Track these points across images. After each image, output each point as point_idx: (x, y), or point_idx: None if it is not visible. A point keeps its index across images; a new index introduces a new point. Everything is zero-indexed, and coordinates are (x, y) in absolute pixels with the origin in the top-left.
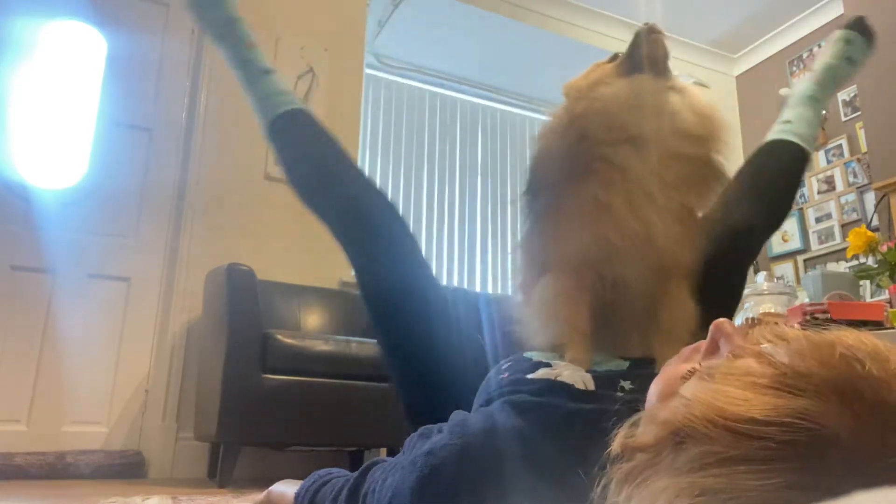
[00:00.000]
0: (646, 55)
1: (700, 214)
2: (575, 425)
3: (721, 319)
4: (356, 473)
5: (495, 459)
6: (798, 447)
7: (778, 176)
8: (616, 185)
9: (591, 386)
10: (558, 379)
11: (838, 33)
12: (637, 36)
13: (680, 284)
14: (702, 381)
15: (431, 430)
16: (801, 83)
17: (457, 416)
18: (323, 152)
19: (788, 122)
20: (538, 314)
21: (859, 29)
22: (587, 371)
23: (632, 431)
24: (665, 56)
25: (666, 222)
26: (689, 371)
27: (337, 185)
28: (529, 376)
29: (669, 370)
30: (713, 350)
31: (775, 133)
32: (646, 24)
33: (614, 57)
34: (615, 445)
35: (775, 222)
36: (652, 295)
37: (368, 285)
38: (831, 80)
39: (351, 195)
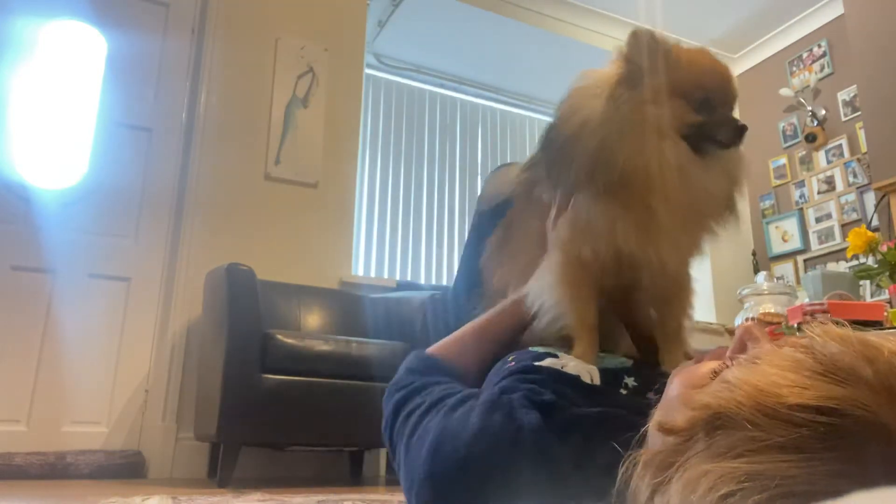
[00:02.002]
0: (716, 140)
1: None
2: (578, 428)
3: (750, 324)
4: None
5: (509, 452)
6: (846, 436)
7: None
8: (636, 211)
9: (597, 380)
10: (564, 370)
11: None
12: (713, 118)
13: (690, 282)
14: (747, 366)
15: (469, 399)
16: None
17: (488, 394)
18: None
19: None
20: (546, 293)
21: None
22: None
23: (661, 417)
24: (738, 141)
25: (677, 250)
26: (720, 366)
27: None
28: (536, 363)
29: (690, 369)
30: (741, 351)
31: None
32: (731, 120)
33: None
34: (650, 427)
35: None
36: (662, 293)
37: None
38: None
39: None
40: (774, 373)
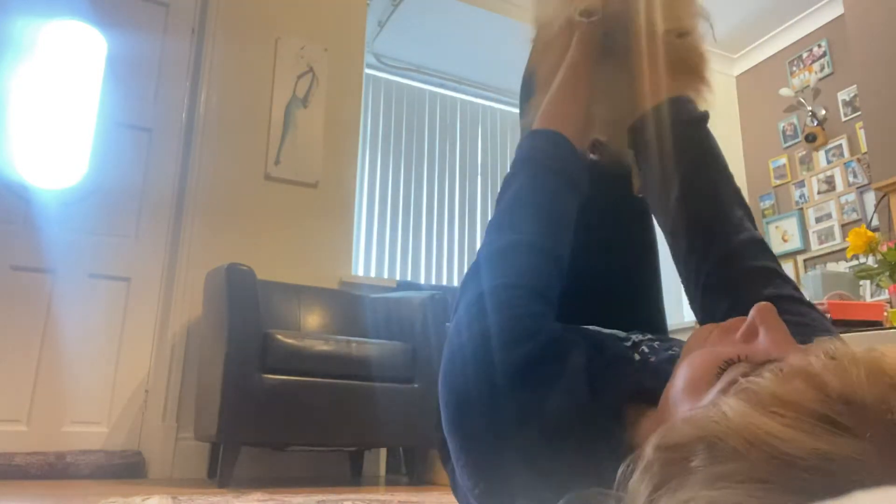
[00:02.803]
0: None
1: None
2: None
3: (766, 305)
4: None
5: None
6: (832, 485)
7: None
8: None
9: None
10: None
11: None
12: None
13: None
14: (745, 400)
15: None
16: None
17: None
18: None
19: None
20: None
21: None
22: None
23: (659, 436)
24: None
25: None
26: (726, 361)
27: None
28: None
29: (701, 349)
30: (751, 336)
31: None
32: None
33: None
34: (649, 445)
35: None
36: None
37: None
38: None
39: None
40: (774, 412)
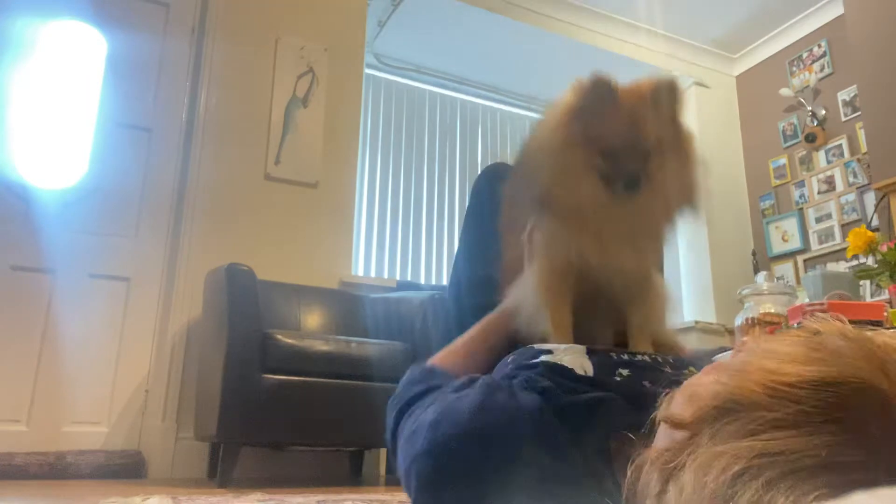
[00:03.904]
0: (618, 175)
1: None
2: (576, 409)
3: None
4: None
5: (510, 428)
6: (845, 407)
7: None
8: (584, 231)
9: (591, 372)
10: (560, 363)
11: None
12: (612, 144)
13: (650, 281)
14: (748, 352)
15: (469, 383)
16: None
17: (486, 378)
18: None
19: None
20: (525, 304)
21: None
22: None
23: (669, 411)
24: (639, 177)
25: (632, 257)
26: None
27: None
28: (532, 362)
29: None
30: None
31: None
32: (630, 126)
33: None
34: (658, 418)
35: None
36: (625, 296)
37: None
38: None
39: None
40: (775, 356)
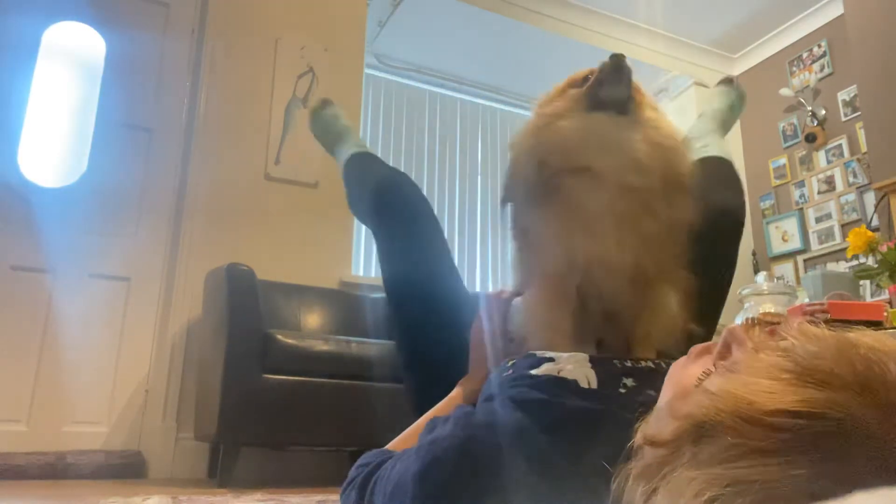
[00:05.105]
0: (608, 97)
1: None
2: (573, 423)
3: (734, 325)
4: (374, 463)
5: (496, 454)
6: (825, 437)
7: (731, 179)
8: (576, 211)
9: (594, 384)
10: (560, 374)
11: (720, 88)
12: (601, 72)
13: (660, 290)
14: (726, 375)
15: (437, 422)
16: (698, 124)
17: (461, 409)
18: (374, 162)
19: (707, 146)
20: (527, 323)
21: (736, 86)
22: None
23: (649, 430)
24: (627, 97)
25: (631, 241)
26: (704, 373)
27: (383, 171)
28: (532, 372)
29: (679, 372)
30: (725, 354)
31: (703, 152)
32: (612, 57)
33: (585, 79)
34: (637, 440)
35: (742, 213)
36: (630, 303)
37: (396, 267)
38: (720, 124)
39: (396, 181)
40: (753, 380)
